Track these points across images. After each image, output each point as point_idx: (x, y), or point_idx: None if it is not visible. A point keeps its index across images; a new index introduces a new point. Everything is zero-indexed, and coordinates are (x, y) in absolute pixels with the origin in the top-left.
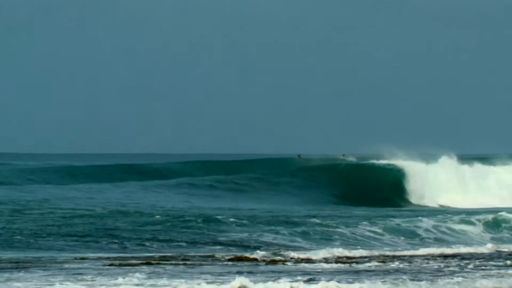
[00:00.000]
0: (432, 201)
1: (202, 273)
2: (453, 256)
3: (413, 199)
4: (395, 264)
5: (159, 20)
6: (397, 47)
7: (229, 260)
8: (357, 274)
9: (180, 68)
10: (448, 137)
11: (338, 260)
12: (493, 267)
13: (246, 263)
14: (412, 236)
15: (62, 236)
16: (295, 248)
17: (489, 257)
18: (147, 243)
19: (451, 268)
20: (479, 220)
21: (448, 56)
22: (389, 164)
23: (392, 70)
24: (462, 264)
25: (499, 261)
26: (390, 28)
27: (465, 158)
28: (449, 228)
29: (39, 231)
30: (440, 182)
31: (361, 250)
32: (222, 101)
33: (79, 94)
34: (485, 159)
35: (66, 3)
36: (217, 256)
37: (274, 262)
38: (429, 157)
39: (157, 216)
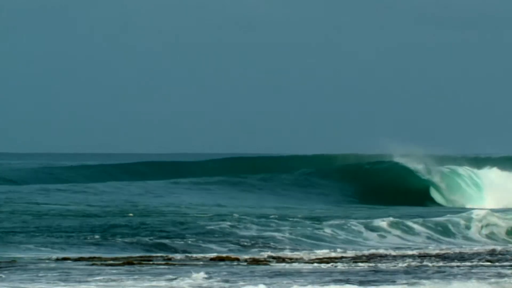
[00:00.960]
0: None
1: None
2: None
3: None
4: (375, 264)
5: (159, 20)
6: (396, 48)
7: (211, 260)
8: (329, 275)
9: (180, 68)
10: (446, 137)
11: (322, 260)
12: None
13: (227, 263)
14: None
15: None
16: (294, 249)
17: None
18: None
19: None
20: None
21: (446, 56)
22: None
23: (392, 70)
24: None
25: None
26: (389, 29)
27: (466, 158)
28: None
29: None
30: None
31: (349, 251)
32: (222, 101)
33: (79, 94)
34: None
35: (66, 3)
36: (199, 256)
37: (256, 262)
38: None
39: (130, 214)
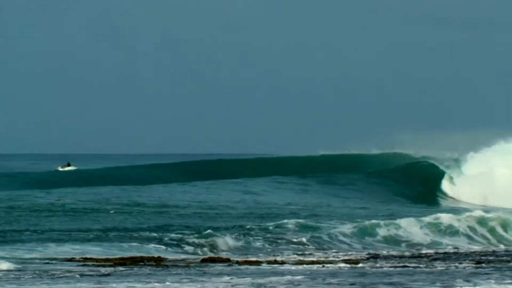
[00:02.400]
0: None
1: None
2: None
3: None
4: (363, 265)
5: (158, 21)
6: (392, 48)
7: (202, 261)
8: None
9: (180, 69)
10: (444, 136)
11: (313, 261)
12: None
13: (218, 264)
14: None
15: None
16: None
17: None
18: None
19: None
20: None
21: (441, 56)
22: None
23: (391, 70)
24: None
25: None
26: (386, 30)
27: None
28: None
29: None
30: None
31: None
32: (223, 102)
33: (79, 94)
34: None
35: (67, 3)
36: (190, 258)
37: (247, 263)
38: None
39: (112, 211)
